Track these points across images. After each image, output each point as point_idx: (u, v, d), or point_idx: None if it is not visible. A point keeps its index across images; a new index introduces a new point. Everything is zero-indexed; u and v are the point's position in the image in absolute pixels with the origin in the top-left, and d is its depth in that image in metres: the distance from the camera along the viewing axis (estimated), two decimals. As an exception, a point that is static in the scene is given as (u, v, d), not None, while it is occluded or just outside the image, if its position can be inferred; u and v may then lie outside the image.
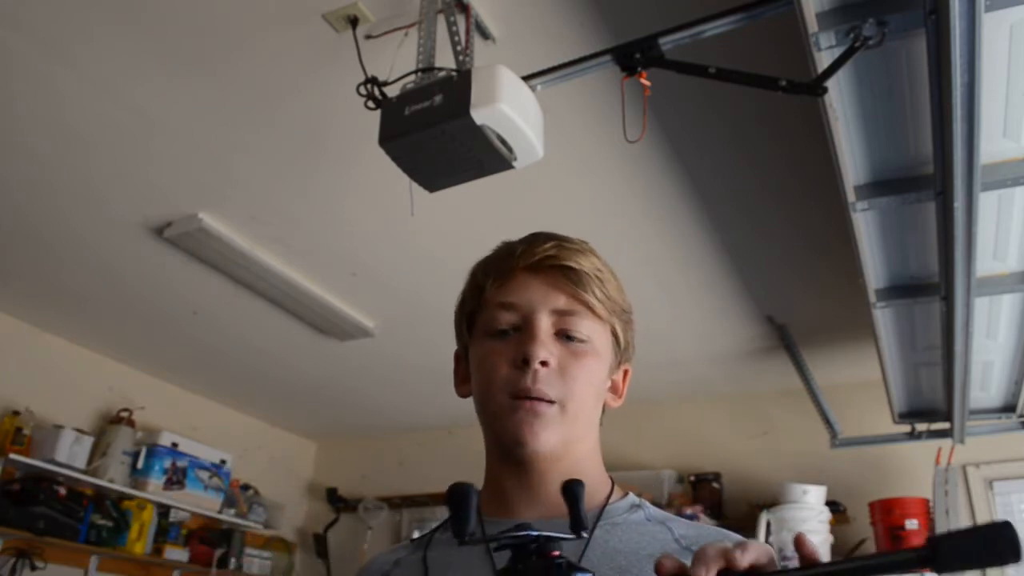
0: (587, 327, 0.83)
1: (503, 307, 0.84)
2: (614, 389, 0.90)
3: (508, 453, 0.82)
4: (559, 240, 0.85)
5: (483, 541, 0.69)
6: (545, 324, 0.82)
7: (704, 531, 0.82)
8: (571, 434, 0.82)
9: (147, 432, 3.98)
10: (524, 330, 0.82)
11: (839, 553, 3.40)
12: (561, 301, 0.83)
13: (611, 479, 0.88)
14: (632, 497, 0.87)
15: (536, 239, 0.86)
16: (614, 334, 0.87)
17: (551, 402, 0.80)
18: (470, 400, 0.90)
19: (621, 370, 0.91)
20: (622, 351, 0.89)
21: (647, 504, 0.87)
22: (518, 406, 0.80)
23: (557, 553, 0.62)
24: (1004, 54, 1.43)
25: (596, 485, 0.85)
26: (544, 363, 0.80)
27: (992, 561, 0.48)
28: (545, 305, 0.83)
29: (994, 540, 0.47)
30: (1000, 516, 3.38)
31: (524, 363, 0.80)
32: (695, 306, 3.27)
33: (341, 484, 5.00)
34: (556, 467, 0.82)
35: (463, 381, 0.90)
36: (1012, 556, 0.47)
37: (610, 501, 0.85)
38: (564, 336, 0.82)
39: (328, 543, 4.81)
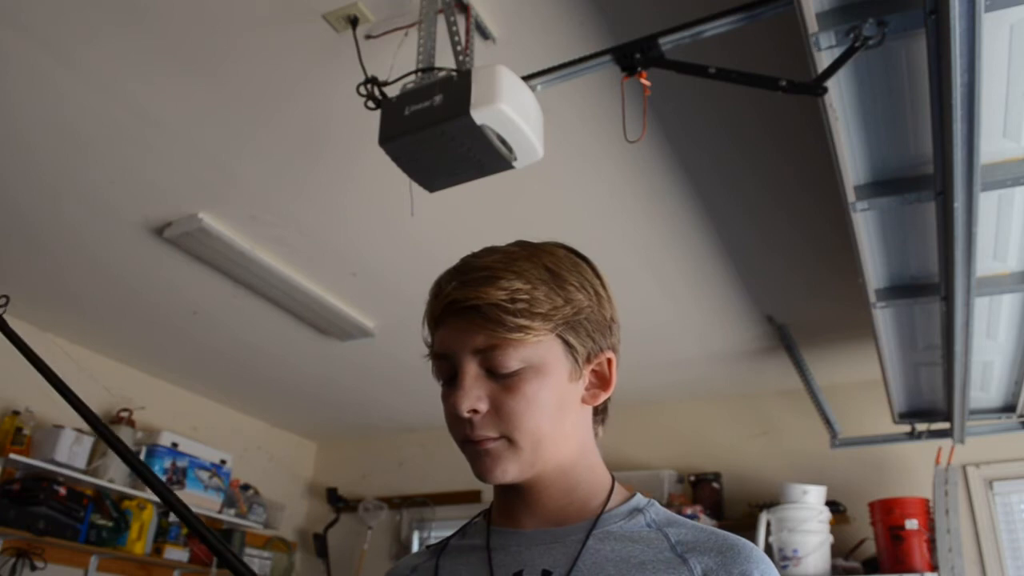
0: (515, 356, 0.79)
1: (437, 357, 0.83)
2: (600, 381, 0.86)
3: None
4: (462, 277, 0.80)
5: None
6: (471, 369, 0.80)
7: (703, 535, 0.81)
8: (535, 459, 0.81)
9: (147, 432, 3.99)
10: (455, 378, 0.81)
11: (839, 554, 3.40)
12: (479, 340, 0.79)
13: (612, 480, 0.88)
14: (638, 499, 0.86)
15: (445, 280, 0.82)
16: (564, 340, 0.81)
17: (497, 438, 0.79)
18: None
19: (603, 358, 0.85)
20: (585, 350, 0.83)
21: (653, 507, 0.85)
22: (468, 448, 0.81)
23: None
24: (1004, 54, 1.43)
25: (591, 490, 0.85)
26: (475, 411, 0.79)
27: None
28: (464, 349, 0.80)
29: None
30: (1000, 516, 3.39)
31: (456, 417, 0.80)
32: (695, 306, 3.27)
33: (341, 484, 5.00)
34: (544, 481, 0.83)
35: None
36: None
37: (608, 506, 0.84)
38: (493, 373, 0.80)
39: (328, 543, 4.81)
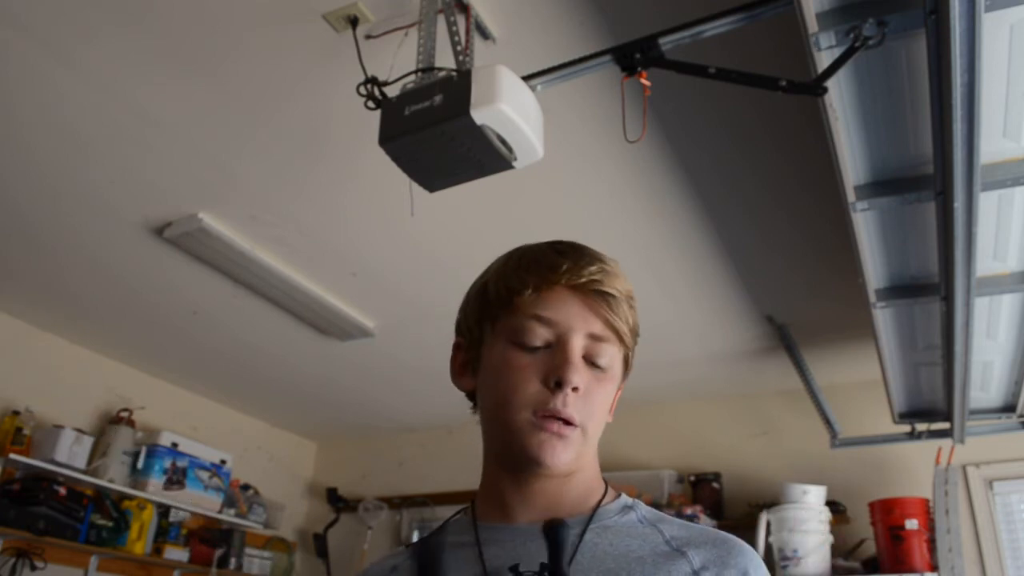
0: (611, 354, 0.84)
1: (540, 320, 0.82)
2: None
3: (516, 465, 0.82)
4: (603, 263, 0.85)
5: None
6: (579, 347, 0.82)
7: (695, 531, 0.82)
8: (585, 454, 0.83)
9: (147, 432, 3.98)
10: (559, 350, 0.81)
11: (839, 554, 3.40)
12: (597, 326, 0.83)
13: (605, 481, 0.89)
14: (624, 498, 0.87)
15: (582, 259, 0.84)
16: (626, 359, 0.88)
17: (575, 425, 0.80)
18: (468, 400, 0.91)
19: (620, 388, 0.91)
20: (626, 373, 0.90)
21: (640, 505, 0.87)
22: (543, 426, 0.79)
23: None
24: (1004, 54, 1.43)
25: (590, 488, 0.86)
26: (576, 388, 0.80)
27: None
28: (583, 328, 0.82)
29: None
30: (1000, 516, 3.39)
31: (557, 385, 0.79)
32: (695, 306, 3.27)
33: (341, 484, 5.00)
34: (555, 475, 0.83)
35: (463, 373, 0.90)
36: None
37: (602, 504, 0.85)
38: (590, 361, 0.82)
39: (328, 543, 4.81)
